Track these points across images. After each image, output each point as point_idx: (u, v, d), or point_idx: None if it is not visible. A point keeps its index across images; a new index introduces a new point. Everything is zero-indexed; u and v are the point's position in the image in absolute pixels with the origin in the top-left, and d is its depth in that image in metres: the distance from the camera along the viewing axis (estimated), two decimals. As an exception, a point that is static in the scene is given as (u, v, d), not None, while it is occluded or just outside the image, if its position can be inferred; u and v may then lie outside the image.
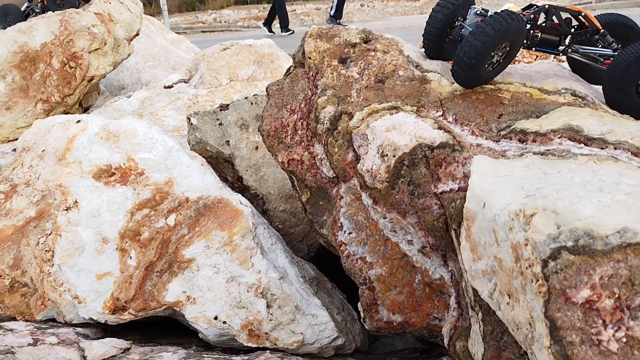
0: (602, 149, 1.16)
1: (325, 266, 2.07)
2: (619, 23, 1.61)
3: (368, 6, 13.71)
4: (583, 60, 1.58)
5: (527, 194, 0.95)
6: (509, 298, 0.98)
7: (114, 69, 3.20)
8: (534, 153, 1.17)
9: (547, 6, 1.54)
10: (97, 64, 3.04)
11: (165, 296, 1.73)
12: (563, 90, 1.48)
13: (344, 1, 11.31)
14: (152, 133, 1.93)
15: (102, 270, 1.78)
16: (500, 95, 1.44)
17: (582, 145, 1.18)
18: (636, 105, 1.44)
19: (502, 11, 1.44)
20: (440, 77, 1.53)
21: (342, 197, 1.58)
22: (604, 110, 1.40)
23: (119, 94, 3.76)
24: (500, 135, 1.32)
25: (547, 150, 1.18)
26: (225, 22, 14.60)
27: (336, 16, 11.10)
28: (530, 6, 1.58)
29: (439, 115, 1.42)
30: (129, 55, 3.23)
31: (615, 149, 1.15)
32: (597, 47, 1.57)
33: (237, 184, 2.07)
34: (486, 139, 1.32)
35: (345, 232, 1.56)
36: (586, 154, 1.11)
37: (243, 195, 1.96)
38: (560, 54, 1.58)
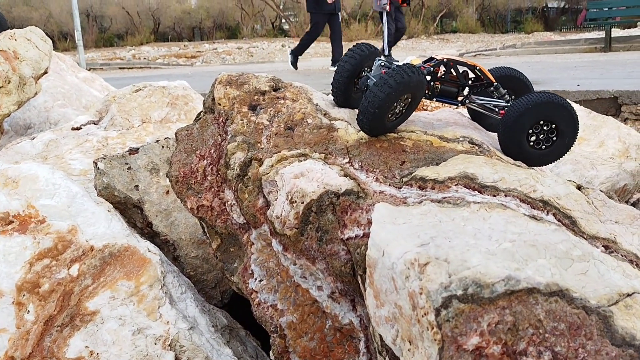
0: (494, 196, 1.23)
1: (241, 312, 2.03)
2: (510, 76, 1.74)
3: (289, 47, 13.98)
4: (480, 110, 1.68)
5: (422, 242, 0.98)
6: (410, 344, 1.00)
7: (19, 108, 3.05)
8: (432, 200, 1.22)
9: (445, 60, 1.64)
10: (0, 103, 2.89)
11: (65, 352, 1.63)
12: (461, 138, 1.57)
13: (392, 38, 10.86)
14: (54, 178, 1.84)
15: (-4, 327, 1.65)
16: (402, 143, 1.50)
17: (476, 192, 1.25)
18: (527, 152, 1.55)
19: (404, 64, 1.51)
20: (347, 125, 1.58)
21: (253, 244, 1.57)
22: (497, 158, 1.49)
23: (25, 134, 3.58)
24: (402, 181, 1.37)
25: (444, 197, 1.23)
26: (145, 59, 14.39)
27: (389, 52, 10.87)
28: (431, 59, 1.67)
29: (346, 162, 1.46)
30: (35, 94, 3.10)
31: (505, 196, 1.22)
32: (493, 98, 1.67)
33: (147, 230, 2.01)
34: (389, 185, 1.37)
35: (256, 279, 1.55)
36: (479, 202, 1.18)
37: (153, 242, 1.90)
38: (459, 105, 1.67)
